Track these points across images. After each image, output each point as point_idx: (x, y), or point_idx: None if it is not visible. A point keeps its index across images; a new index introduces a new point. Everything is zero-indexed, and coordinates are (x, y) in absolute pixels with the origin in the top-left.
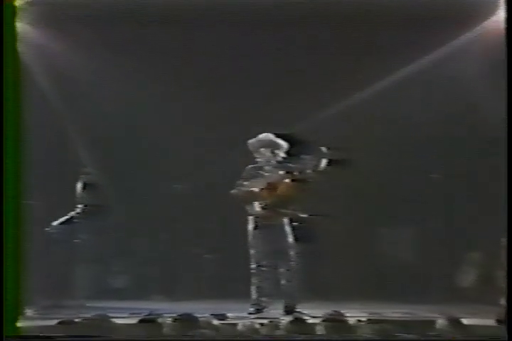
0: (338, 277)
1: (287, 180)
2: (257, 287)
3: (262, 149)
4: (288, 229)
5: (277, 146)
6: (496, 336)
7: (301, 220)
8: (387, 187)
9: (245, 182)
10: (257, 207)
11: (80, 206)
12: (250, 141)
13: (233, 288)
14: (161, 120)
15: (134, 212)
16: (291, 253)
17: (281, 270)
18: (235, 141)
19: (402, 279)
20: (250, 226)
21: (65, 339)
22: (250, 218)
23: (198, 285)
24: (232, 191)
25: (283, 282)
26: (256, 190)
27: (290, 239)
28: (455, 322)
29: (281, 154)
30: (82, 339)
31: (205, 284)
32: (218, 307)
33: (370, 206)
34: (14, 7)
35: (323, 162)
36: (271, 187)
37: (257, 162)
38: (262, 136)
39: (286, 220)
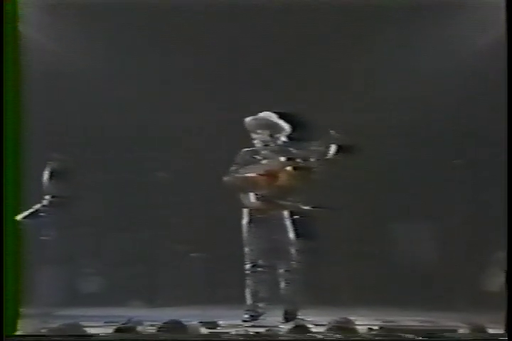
0: (345, 279)
1: (288, 168)
2: (253, 290)
3: (259, 131)
4: (288, 223)
5: (277, 128)
6: None
7: (302, 213)
8: (400, 178)
9: (239, 169)
10: (252, 197)
11: (46, 197)
12: (247, 119)
13: (225, 291)
14: (143, 105)
15: (109, 204)
16: (292, 251)
17: (280, 270)
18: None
19: (418, 282)
20: (245, 220)
21: (66, 339)
22: (245, 211)
23: (184, 288)
24: (224, 179)
25: (282, 284)
26: (252, 177)
27: (290, 234)
28: (479, 331)
29: (282, 138)
30: (83, 339)
31: (193, 287)
32: (208, 313)
33: (382, 198)
34: (15, 6)
35: (333, 149)
36: (269, 175)
37: (253, 145)
38: (262, 114)
39: (285, 213)
